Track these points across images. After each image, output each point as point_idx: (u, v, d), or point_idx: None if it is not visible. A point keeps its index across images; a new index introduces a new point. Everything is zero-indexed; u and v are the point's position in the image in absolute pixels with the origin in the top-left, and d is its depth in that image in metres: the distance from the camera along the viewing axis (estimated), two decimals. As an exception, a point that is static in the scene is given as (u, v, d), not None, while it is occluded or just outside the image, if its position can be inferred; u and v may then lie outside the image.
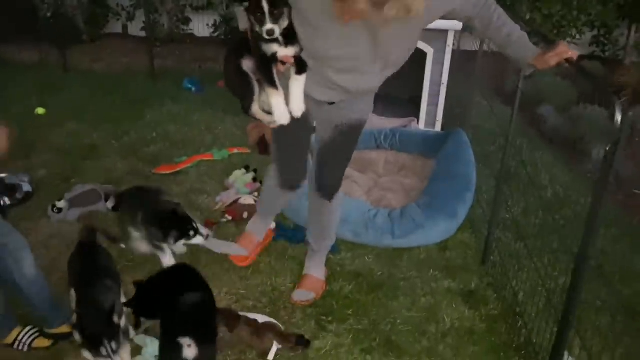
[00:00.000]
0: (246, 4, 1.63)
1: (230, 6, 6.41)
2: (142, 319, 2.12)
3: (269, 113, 1.79)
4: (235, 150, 3.82)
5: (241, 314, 2.16)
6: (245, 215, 2.94)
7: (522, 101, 2.42)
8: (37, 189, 3.20)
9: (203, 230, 2.33)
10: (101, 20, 6.77)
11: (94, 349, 1.78)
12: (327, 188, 2.29)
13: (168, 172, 3.50)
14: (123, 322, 1.90)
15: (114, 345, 1.78)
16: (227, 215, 3.01)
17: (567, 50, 1.73)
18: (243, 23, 1.89)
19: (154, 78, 5.41)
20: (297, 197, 2.47)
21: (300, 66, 1.73)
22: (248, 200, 3.06)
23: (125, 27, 6.99)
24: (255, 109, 1.84)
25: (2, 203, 2.98)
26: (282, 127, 1.79)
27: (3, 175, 3.11)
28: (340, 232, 2.64)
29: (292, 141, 2.17)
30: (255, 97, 1.82)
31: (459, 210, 2.89)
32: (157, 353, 1.94)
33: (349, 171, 2.65)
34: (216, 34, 6.69)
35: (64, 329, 2.11)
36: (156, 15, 6.53)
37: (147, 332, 2.14)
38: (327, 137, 2.13)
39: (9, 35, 5.85)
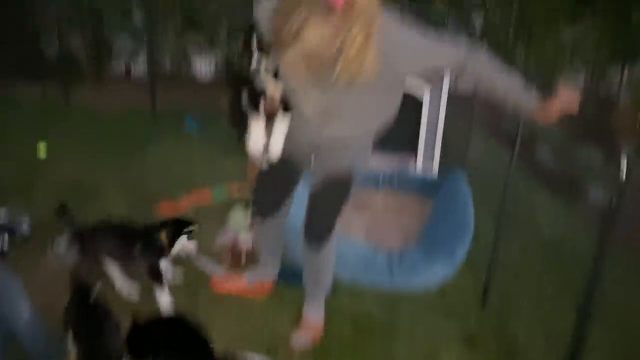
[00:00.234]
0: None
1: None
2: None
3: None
4: (236, 190, 3.84)
5: (239, 355, 2.12)
6: (244, 260, 2.94)
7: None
8: (36, 228, 3.19)
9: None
10: (105, 60, 6.93)
11: None
12: (314, 235, 2.26)
13: (170, 213, 3.49)
14: None
15: None
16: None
17: (570, 100, 1.73)
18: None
19: (155, 117, 5.49)
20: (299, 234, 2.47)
21: (286, 104, 1.85)
22: (247, 242, 3.05)
23: (128, 66, 7.15)
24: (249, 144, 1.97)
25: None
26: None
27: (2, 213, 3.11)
28: (338, 274, 2.63)
29: (272, 176, 2.21)
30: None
31: (458, 252, 2.89)
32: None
33: (347, 211, 2.65)
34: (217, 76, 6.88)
35: None
36: (158, 56, 6.69)
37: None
38: (317, 184, 2.18)
39: (15, 73, 5.97)
